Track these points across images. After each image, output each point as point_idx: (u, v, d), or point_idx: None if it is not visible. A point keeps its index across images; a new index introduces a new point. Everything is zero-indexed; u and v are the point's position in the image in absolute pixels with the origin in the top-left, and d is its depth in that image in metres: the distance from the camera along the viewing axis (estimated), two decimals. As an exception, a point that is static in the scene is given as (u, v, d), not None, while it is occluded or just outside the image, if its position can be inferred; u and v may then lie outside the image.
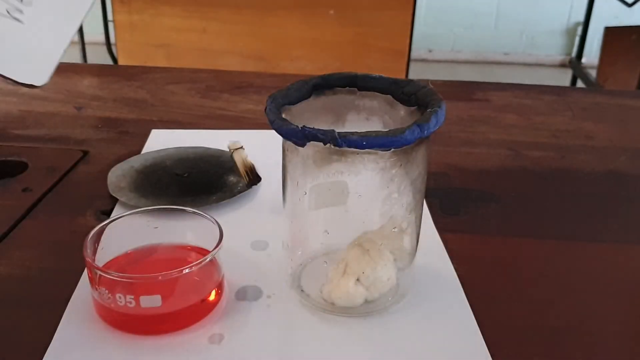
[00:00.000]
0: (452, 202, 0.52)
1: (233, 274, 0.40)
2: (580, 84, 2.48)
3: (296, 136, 0.33)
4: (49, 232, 0.46)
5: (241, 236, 0.45)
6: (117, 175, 0.53)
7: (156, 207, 0.41)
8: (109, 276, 0.35)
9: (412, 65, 1.50)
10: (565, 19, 3.06)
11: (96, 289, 0.36)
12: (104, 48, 2.07)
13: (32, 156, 0.58)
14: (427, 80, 0.43)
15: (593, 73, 2.36)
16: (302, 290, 0.39)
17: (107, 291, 0.35)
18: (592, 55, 2.88)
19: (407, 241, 0.38)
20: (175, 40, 1.44)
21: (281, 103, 0.36)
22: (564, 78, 2.88)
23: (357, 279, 0.37)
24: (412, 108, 0.37)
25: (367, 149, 0.32)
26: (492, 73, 3.02)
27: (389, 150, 0.33)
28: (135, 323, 0.36)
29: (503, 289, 0.42)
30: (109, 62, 1.99)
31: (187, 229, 0.40)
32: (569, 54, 3.11)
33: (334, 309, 0.38)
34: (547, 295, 0.41)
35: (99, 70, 0.83)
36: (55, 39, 0.38)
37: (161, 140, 0.62)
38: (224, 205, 0.49)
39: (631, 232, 0.49)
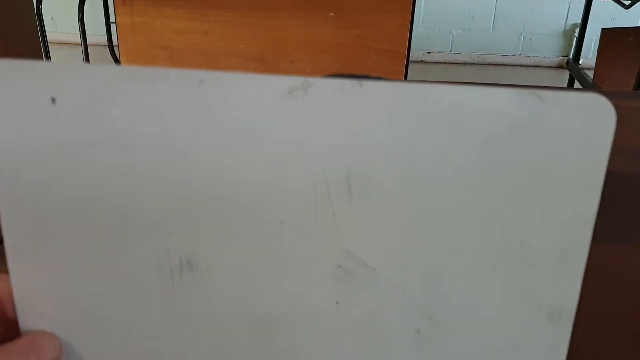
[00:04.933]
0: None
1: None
2: (577, 85, 2.50)
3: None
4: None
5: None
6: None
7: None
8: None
9: (411, 67, 1.52)
10: (562, 20, 3.07)
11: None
12: (106, 49, 2.09)
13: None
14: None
15: (590, 74, 2.38)
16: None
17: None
18: (589, 56, 2.90)
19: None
20: (177, 42, 1.45)
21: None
22: (561, 79, 2.90)
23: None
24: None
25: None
26: (490, 74, 3.04)
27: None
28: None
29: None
30: (112, 63, 2.01)
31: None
32: (567, 55, 3.13)
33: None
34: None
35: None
36: None
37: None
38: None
39: (627, 233, 0.50)
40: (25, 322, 0.25)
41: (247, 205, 0.23)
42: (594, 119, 0.23)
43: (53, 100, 0.22)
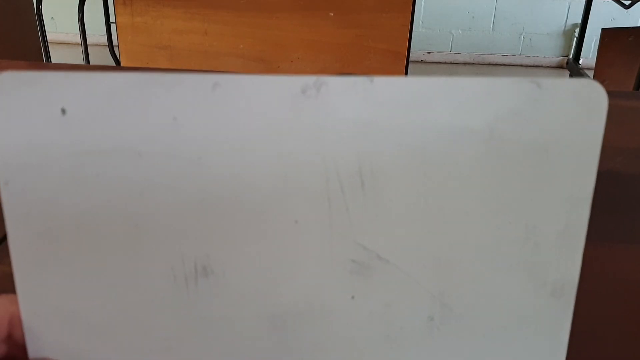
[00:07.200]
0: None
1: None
2: (577, 85, 2.50)
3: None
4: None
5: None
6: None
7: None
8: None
9: (411, 67, 1.52)
10: (562, 20, 3.08)
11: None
12: (107, 50, 2.09)
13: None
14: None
15: (590, 74, 2.38)
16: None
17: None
18: (589, 56, 2.90)
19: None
20: (177, 42, 1.45)
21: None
22: (561, 79, 2.90)
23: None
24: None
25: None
26: (490, 74, 3.03)
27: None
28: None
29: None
30: (112, 63, 2.01)
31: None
32: (567, 55, 3.13)
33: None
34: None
35: (104, 72, 0.84)
36: None
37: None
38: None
39: (628, 233, 0.50)
40: (33, 343, 0.24)
41: (261, 207, 0.24)
42: (587, 102, 0.24)
43: (63, 111, 0.22)
